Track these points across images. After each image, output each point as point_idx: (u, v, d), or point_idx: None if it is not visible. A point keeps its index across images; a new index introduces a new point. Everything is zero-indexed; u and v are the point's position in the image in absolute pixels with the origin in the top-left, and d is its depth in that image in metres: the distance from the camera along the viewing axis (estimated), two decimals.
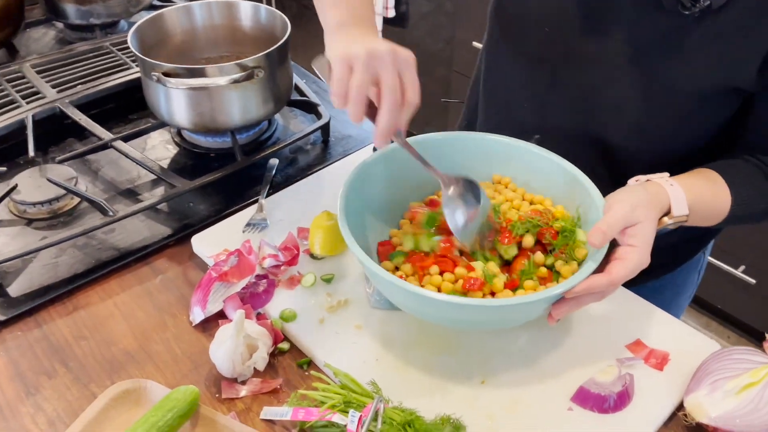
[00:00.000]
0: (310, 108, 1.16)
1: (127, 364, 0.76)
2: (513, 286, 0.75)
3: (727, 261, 1.84)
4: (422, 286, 0.73)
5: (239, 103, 1.00)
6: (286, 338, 0.79)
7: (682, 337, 0.79)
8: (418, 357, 0.76)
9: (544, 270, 0.75)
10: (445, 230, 0.78)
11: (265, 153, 1.04)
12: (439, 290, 0.72)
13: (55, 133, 1.09)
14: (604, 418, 0.70)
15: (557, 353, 0.77)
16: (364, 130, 1.15)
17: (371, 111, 0.69)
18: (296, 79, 1.18)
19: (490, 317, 0.71)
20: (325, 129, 1.11)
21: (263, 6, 1.09)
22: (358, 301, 0.82)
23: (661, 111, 0.79)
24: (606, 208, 0.71)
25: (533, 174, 0.84)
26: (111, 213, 0.90)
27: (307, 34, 3.09)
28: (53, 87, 1.12)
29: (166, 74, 0.95)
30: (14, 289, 0.84)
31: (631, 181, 0.76)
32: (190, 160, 1.07)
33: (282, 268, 0.85)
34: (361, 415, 0.65)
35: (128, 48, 0.98)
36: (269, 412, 0.71)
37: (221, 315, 0.81)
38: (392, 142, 0.73)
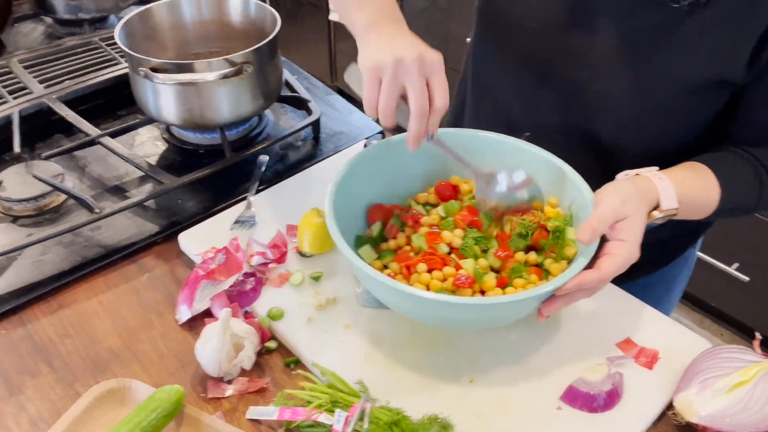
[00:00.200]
0: (300, 104, 1.15)
1: (112, 363, 0.75)
2: (502, 284, 0.74)
3: (721, 258, 1.83)
4: (410, 284, 0.72)
5: (228, 99, 0.99)
6: (273, 337, 0.78)
7: (673, 335, 0.79)
8: (407, 356, 0.75)
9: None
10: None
11: (254, 149, 1.03)
12: (428, 288, 0.71)
13: (43, 129, 1.08)
14: (593, 417, 0.69)
15: (547, 351, 0.76)
16: (356, 127, 1.15)
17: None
18: (287, 75, 1.17)
19: (479, 316, 0.70)
20: (316, 125, 1.10)
21: (252, 1, 1.08)
22: (346, 300, 0.81)
23: (652, 105, 0.79)
24: (595, 204, 0.71)
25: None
26: (97, 210, 0.89)
27: (301, 30, 3.08)
28: (41, 82, 1.11)
29: (154, 69, 0.94)
30: None
31: (620, 176, 0.75)
32: (179, 157, 1.06)
33: (270, 266, 0.85)
34: (347, 415, 0.64)
35: (117, 43, 0.97)
36: (255, 411, 0.70)
37: (208, 313, 0.80)
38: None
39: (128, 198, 0.95)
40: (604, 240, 0.70)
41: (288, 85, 1.16)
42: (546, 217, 0.77)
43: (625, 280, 0.76)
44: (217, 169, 0.98)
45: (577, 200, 0.76)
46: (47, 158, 0.98)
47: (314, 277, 0.84)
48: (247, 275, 0.82)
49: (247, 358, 0.73)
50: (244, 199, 0.96)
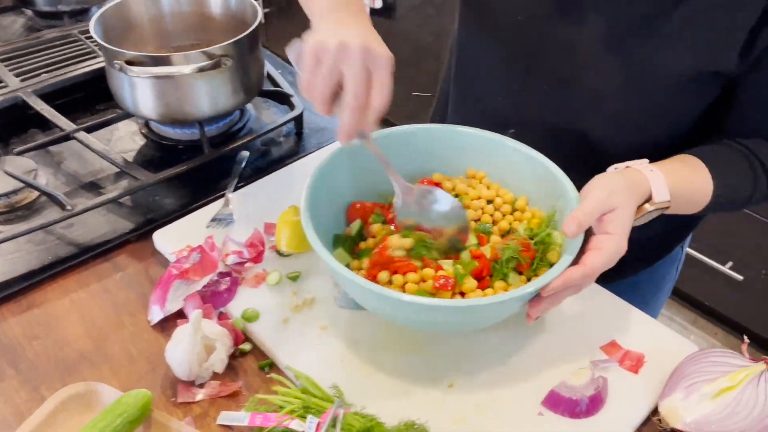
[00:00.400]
0: (283, 99, 1.12)
1: (80, 366, 0.73)
2: (484, 286, 0.72)
3: (715, 257, 1.82)
4: (386, 285, 0.70)
5: (207, 93, 0.96)
6: (248, 339, 0.76)
7: (659, 338, 0.76)
8: (385, 359, 0.73)
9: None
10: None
11: (234, 145, 1.00)
12: (403, 290, 0.69)
13: (18, 123, 1.05)
14: (575, 423, 0.67)
15: (529, 354, 0.74)
16: None
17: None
18: (270, 69, 1.14)
19: (459, 319, 0.68)
20: (299, 120, 1.08)
21: None
22: (324, 301, 0.79)
23: (642, 99, 0.76)
24: (582, 196, 0.68)
25: (508, 168, 0.81)
26: (69, 207, 0.87)
27: (293, 25, 3.05)
28: (17, 76, 1.08)
29: (130, 62, 0.92)
30: None
31: (610, 169, 0.73)
32: (158, 153, 1.03)
33: (246, 265, 0.82)
34: (319, 421, 0.62)
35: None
36: (226, 417, 0.67)
37: (181, 314, 0.77)
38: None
39: (103, 195, 0.92)
40: (589, 234, 0.68)
41: (271, 79, 1.14)
42: (529, 232, 0.74)
43: (613, 278, 0.74)
44: (195, 165, 0.96)
45: (563, 200, 0.74)
46: (20, 153, 0.96)
47: (291, 277, 0.81)
48: (222, 275, 0.80)
49: (218, 361, 0.70)
50: (222, 196, 0.93)
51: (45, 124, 1.05)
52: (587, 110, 0.81)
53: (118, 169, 0.96)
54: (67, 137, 0.98)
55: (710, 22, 0.69)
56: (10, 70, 1.09)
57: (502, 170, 0.82)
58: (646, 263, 0.96)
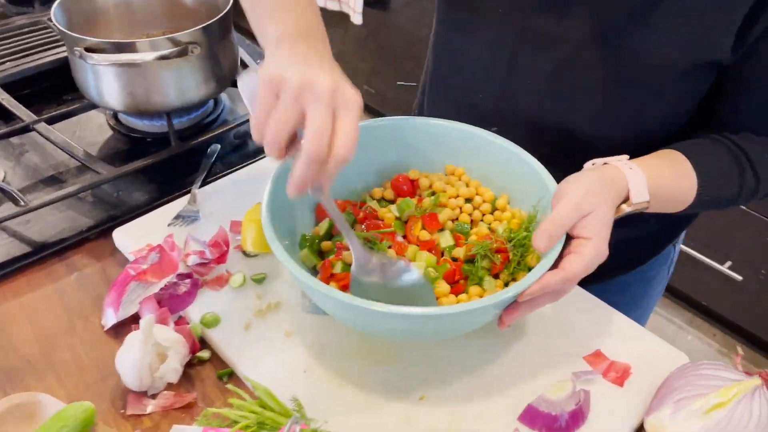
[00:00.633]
0: None
1: (25, 374, 0.68)
2: (457, 291, 0.67)
3: (713, 256, 1.76)
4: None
5: (174, 83, 0.91)
6: (207, 346, 0.71)
7: (647, 348, 0.71)
8: (352, 369, 0.68)
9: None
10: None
11: (203, 138, 0.95)
12: None
13: None
14: None
15: (506, 365, 0.69)
16: None
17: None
18: (245, 57, 1.09)
19: (430, 328, 0.63)
20: None
21: None
22: (290, 305, 0.74)
23: (631, 92, 0.71)
24: (555, 199, 0.63)
25: (489, 165, 0.76)
26: (23, 203, 0.82)
27: None
28: None
29: (92, 50, 0.86)
30: None
31: (588, 165, 0.68)
32: (125, 146, 0.98)
33: (210, 266, 0.77)
34: None
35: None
36: (178, 431, 0.63)
37: (137, 319, 0.72)
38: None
39: (63, 189, 0.87)
40: (570, 237, 0.63)
41: (246, 67, 1.08)
42: (508, 233, 0.69)
43: (601, 279, 0.69)
44: (161, 159, 0.91)
45: (545, 199, 0.69)
46: None
47: (256, 279, 0.76)
48: (181, 276, 0.75)
49: (171, 370, 0.66)
50: (190, 191, 0.88)
51: (8, 115, 0.99)
52: (574, 105, 0.75)
53: (79, 163, 0.91)
54: (26, 129, 0.93)
55: (703, 8, 0.64)
56: None
57: (482, 166, 0.77)
58: (637, 262, 0.90)
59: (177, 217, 0.83)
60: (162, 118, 0.98)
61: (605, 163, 0.67)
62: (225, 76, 0.97)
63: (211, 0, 1.00)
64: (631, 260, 0.90)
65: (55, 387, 0.67)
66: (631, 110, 0.74)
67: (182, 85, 0.92)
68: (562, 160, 0.71)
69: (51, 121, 0.94)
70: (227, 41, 0.95)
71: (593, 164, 0.68)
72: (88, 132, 1.00)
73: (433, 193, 0.76)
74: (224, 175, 0.92)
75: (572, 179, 0.64)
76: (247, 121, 1.00)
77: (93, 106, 0.98)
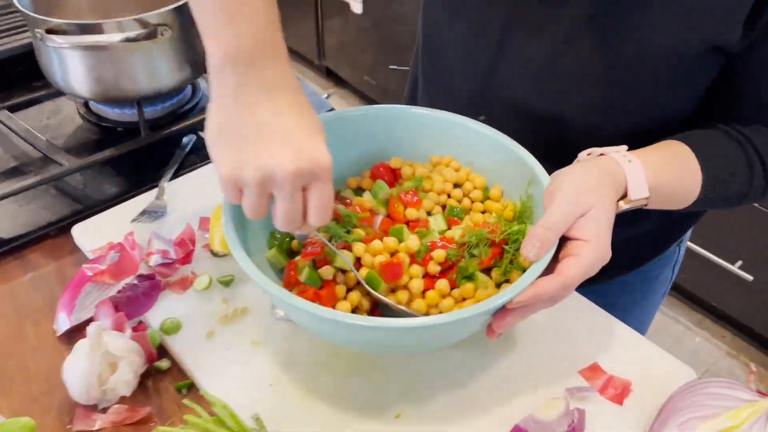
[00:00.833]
0: None
1: None
2: (447, 280, 0.60)
3: (723, 256, 1.69)
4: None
5: (145, 68, 0.85)
6: (166, 355, 0.65)
7: (650, 361, 0.65)
8: (324, 382, 0.62)
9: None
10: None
11: (176, 127, 0.89)
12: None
13: None
14: None
15: (492, 379, 0.62)
16: None
17: None
18: None
19: (410, 341, 0.57)
20: None
21: None
22: (258, 311, 0.68)
23: (629, 80, 0.65)
24: (547, 195, 0.57)
25: (476, 155, 0.70)
26: None
27: (286, 6, 2.92)
28: None
29: (54, 32, 0.80)
30: None
31: (582, 155, 0.61)
32: (94, 136, 0.92)
33: (174, 266, 0.71)
34: None
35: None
36: None
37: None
38: None
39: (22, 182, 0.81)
40: (565, 238, 0.56)
41: None
42: (498, 227, 0.62)
43: (600, 279, 0.63)
44: (129, 150, 0.85)
45: (537, 191, 0.62)
46: None
47: (223, 281, 0.70)
48: (141, 278, 0.69)
49: (122, 382, 0.60)
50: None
51: None
52: (567, 94, 0.69)
53: (42, 154, 0.85)
54: None
55: None
56: None
57: (467, 157, 0.70)
58: (634, 264, 0.84)
59: (142, 213, 0.77)
60: (134, 106, 0.92)
61: (602, 154, 0.60)
62: (200, 61, 0.91)
63: None
64: (631, 260, 0.83)
65: None
66: (629, 100, 0.67)
67: (153, 70, 0.86)
68: (555, 153, 0.65)
69: (14, 109, 0.89)
70: None
71: (589, 154, 0.61)
72: (58, 121, 0.94)
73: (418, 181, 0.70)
74: (198, 168, 0.86)
75: (566, 171, 0.58)
76: None
77: (58, 93, 0.93)
